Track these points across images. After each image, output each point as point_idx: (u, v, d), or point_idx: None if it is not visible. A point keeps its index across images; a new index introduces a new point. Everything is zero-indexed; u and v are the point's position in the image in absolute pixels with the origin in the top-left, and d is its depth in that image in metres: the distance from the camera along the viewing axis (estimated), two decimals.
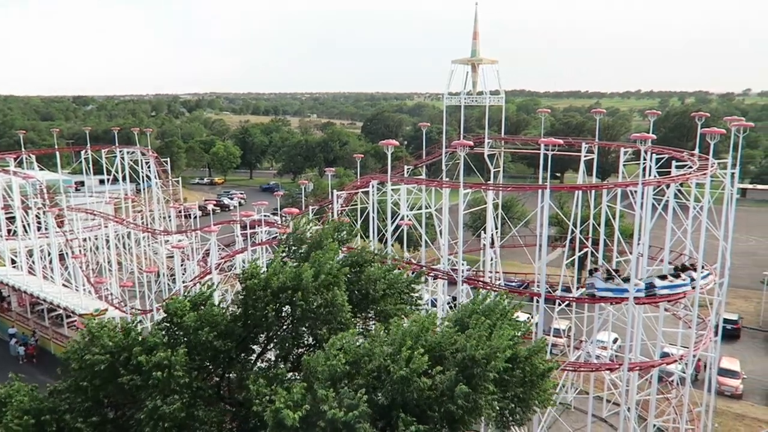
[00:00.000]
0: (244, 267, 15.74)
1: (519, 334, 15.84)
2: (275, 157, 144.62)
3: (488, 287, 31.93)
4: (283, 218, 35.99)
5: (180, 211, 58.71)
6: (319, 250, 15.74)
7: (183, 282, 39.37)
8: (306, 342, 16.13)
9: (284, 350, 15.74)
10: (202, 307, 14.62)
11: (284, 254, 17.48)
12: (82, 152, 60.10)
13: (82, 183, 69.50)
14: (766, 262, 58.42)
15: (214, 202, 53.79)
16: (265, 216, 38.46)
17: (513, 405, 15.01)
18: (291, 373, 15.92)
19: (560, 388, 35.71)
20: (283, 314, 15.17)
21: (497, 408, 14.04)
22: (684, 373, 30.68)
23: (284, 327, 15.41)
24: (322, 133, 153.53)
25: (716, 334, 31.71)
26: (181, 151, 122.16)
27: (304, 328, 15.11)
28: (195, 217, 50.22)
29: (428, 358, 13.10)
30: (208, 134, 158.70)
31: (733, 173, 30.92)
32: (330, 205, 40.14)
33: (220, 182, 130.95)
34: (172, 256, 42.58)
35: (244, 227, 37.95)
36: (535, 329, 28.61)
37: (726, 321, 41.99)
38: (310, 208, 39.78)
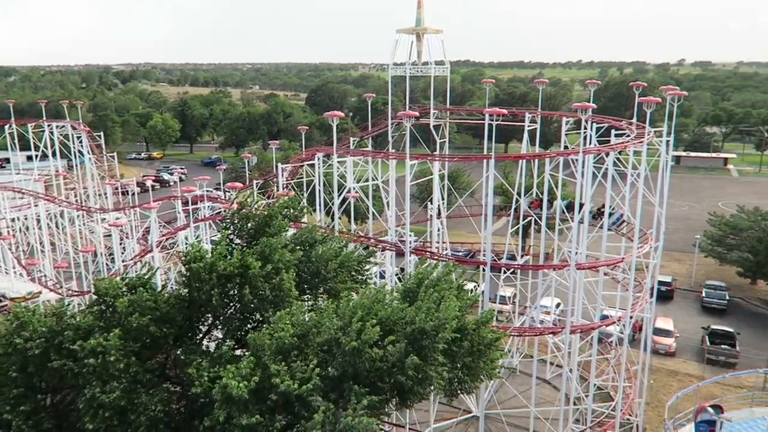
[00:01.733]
0: (187, 245, 15.36)
1: (466, 306, 16.20)
2: (216, 131, 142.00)
3: (436, 257, 32.43)
4: (227, 193, 35.25)
5: (117, 188, 56.66)
6: (269, 235, 15.49)
7: (123, 261, 38.20)
8: (254, 318, 15.98)
9: (231, 330, 15.55)
10: (140, 289, 14.17)
11: (229, 232, 17.11)
12: (6, 127, 56.80)
13: (7, 160, 65.95)
14: (699, 226, 61.57)
15: (153, 178, 52.19)
16: (207, 191, 37.56)
17: (462, 374, 15.37)
18: (239, 351, 15.79)
19: (506, 352, 36.93)
20: (230, 296, 14.94)
21: (446, 378, 14.35)
22: (622, 334, 32.22)
23: (230, 308, 15.20)
24: (265, 105, 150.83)
25: (651, 295, 33.35)
26: (115, 125, 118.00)
27: (251, 308, 14.94)
28: (133, 194, 48.56)
29: (379, 329, 13.25)
30: (144, 107, 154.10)
31: (668, 141, 32.19)
32: (275, 179, 39.56)
33: (159, 157, 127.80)
34: (110, 235, 41.13)
35: (185, 203, 36.97)
36: (481, 297, 29.34)
37: (660, 283, 44.24)
38: (255, 182, 39.12)
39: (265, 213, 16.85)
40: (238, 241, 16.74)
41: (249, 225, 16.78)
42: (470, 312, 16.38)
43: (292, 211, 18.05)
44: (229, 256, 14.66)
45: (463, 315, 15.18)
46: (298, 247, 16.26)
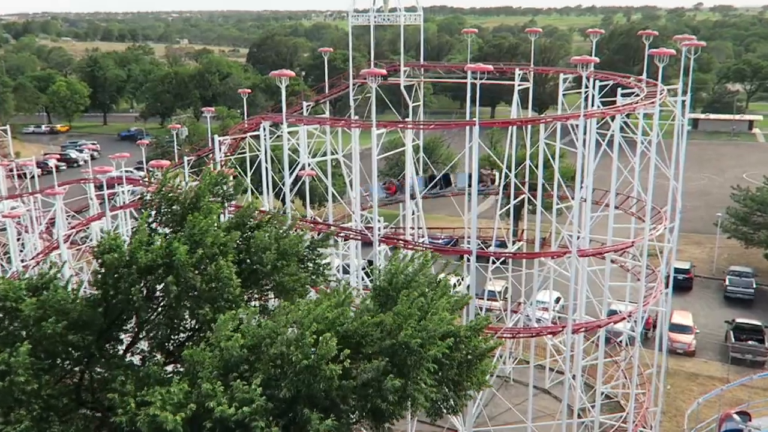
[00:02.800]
0: (101, 237, 15.06)
1: (456, 310, 16.34)
2: (136, 96, 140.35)
3: (410, 247, 32.52)
4: (151, 173, 34.74)
5: (11, 170, 55.23)
6: (196, 213, 15.24)
7: (22, 261, 37.34)
8: (187, 326, 15.81)
9: (159, 338, 15.36)
10: (45, 292, 13.87)
11: (151, 219, 16.82)
12: None
13: None
14: (720, 201, 62.87)
15: (58, 157, 51.17)
16: (126, 172, 36.87)
17: (447, 390, 15.50)
18: (171, 366, 15.63)
19: (497, 358, 37.46)
20: (156, 294, 14.72)
21: (431, 399, 14.45)
22: (633, 332, 32.93)
23: (158, 310, 15.00)
24: (197, 64, 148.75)
25: (667, 285, 34.10)
26: (7, 90, 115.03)
27: (183, 309, 14.75)
28: (33, 177, 47.42)
29: (340, 342, 13.16)
30: (43, 68, 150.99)
31: (683, 101, 32.76)
32: (211, 155, 39.05)
33: (64, 130, 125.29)
34: (4, 228, 40.15)
35: (99, 187, 36.30)
36: (467, 291, 29.58)
37: (677, 270, 45.27)
38: (186, 159, 38.58)
39: (192, 194, 16.63)
40: (163, 230, 16.47)
41: (174, 209, 16.56)
42: (458, 316, 16.54)
43: (223, 188, 17.83)
44: (151, 244, 14.45)
45: (453, 320, 15.27)
46: (237, 232, 16.06)
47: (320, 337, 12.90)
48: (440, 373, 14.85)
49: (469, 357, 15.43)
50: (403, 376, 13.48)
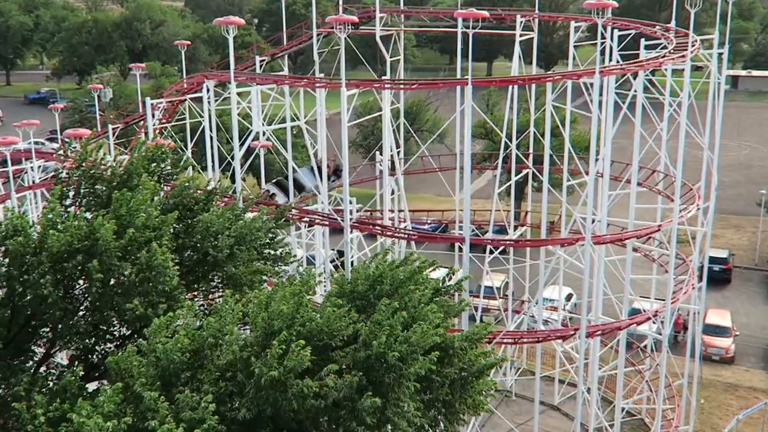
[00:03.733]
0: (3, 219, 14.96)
1: (448, 317, 16.43)
2: (46, 50, 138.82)
3: (389, 234, 32.58)
4: (67, 145, 34.45)
5: None
6: (125, 190, 15.19)
7: None
8: (116, 333, 15.76)
9: (81, 350, 15.31)
10: None
11: (69, 201, 16.70)
12: None
13: None
14: (764, 176, 63.53)
15: None
16: (36, 143, 36.42)
17: (435, 413, 15.62)
18: (96, 383, 15.59)
19: (496, 370, 37.76)
20: (75, 292, 14.64)
21: (415, 423, 14.56)
22: (660, 334, 33.32)
23: (79, 311, 14.93)
24: (122, 9, 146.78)
25: (701, 278, 34.49)
26: None
27: (110, 307, 14.69)
28: None
29: (311, 348, 13.18)
30: None
31: (720, 54, 32.99)
32: (142, 122, 38.72)
33: None
34: None
35: (3, 162, 35.96)
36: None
37: (713, 260, 45.78)
38: (110, 127, 38.25)
39: (121, 171, 16.55)
40: (83, 214, 16.40)
41: (98, 188, 16.45)
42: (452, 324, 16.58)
43: (164, 166, 17.78)
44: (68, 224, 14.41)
45: (442, 329, 15.31)
46: (175, 212, 16.05)
47: (292, 346, 12.85)
48: (428, 393, 14.94)
49: (464, 374, 15.52)
50: (380, 395, 13.55)
